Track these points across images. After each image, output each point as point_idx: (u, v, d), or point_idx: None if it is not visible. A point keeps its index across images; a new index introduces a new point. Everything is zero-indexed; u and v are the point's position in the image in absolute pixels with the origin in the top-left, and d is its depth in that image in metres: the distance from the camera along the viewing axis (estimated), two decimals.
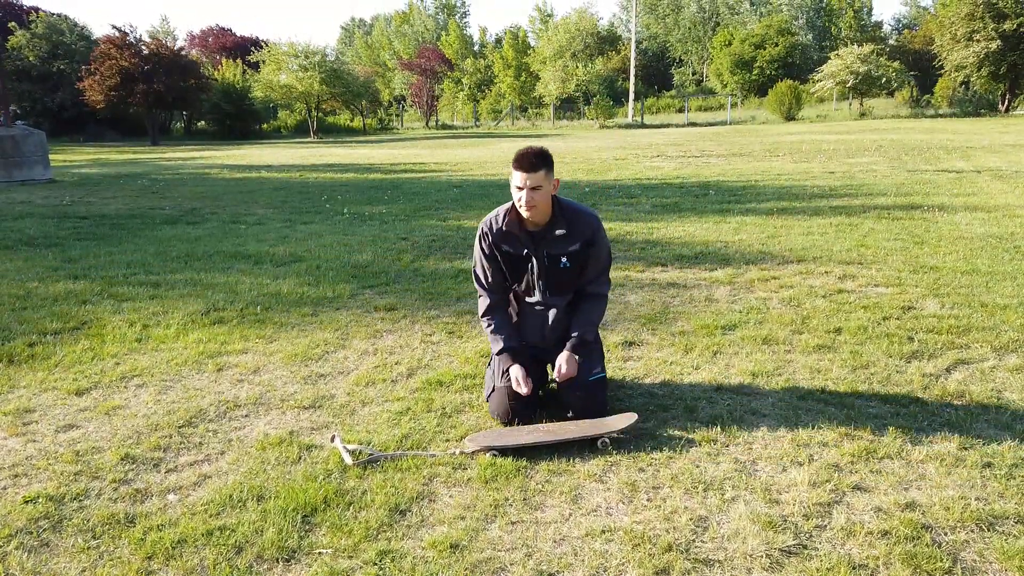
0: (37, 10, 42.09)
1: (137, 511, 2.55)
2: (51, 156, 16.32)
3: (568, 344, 3.24)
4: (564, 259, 3.23)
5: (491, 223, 3.27)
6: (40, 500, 2.62)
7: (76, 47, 39.53)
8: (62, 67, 38.39)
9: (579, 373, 3.20)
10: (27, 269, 6.42)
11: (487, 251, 3.28)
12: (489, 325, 3.32)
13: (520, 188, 3.07)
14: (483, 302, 3.36)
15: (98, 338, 4.42)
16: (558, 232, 3.19)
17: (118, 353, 4.17)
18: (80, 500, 2.63)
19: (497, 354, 3.24)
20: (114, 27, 35.94)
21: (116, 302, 5.26)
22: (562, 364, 3.18)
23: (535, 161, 3.05)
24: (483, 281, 3.35)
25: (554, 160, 3.17)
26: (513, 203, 3.18)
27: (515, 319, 3.42)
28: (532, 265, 3.26)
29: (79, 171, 17.96)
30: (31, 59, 38.62)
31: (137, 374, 3.86)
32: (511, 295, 3.43)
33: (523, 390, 3.09)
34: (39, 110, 38.17)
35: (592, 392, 3.17)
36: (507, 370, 3.18)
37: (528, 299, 3.38)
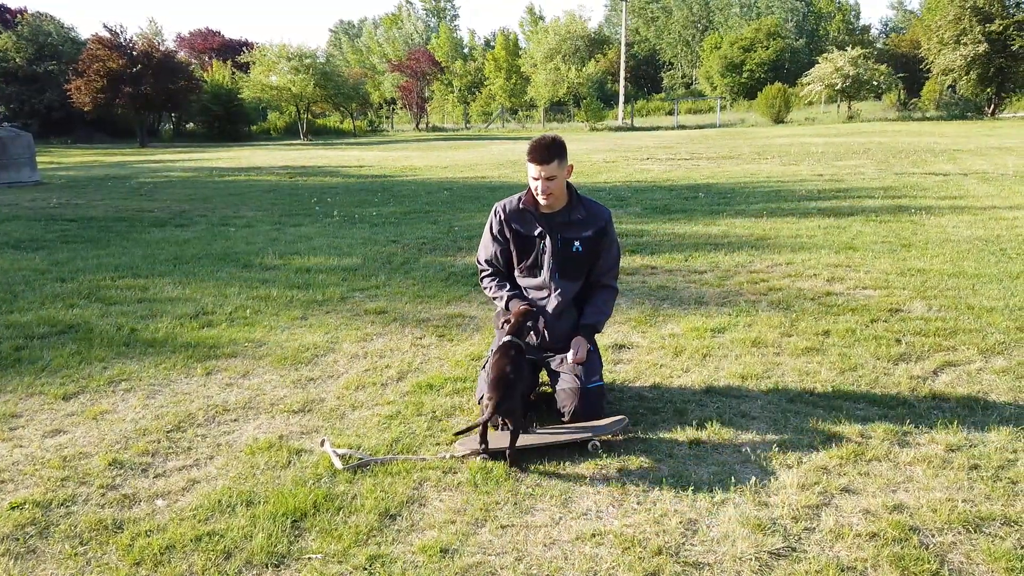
0: (24, 11, 41.76)
1: (125, 517, 2.53)
2: (38, 158, 16.21)
3: (581, 329, 3.33)
4: (577, 243, 3.33)
5: (507, 203, 3.42)
6: (27, 506, 2.60)
7: (63, 48, 39.25)
8: (50, 68, 38.12)
9: (578, 380, 3.20)
10: (13, 272, 6.37)
11: (496, 228, 3.41)
12: (491, 285, 3.44)
13: (536, 179, 3.22)
14: (488, 275, 3.47)
15: (85, 342, 4.39)
16: (575, 217, 3.32)
17: (106, 357, 4.14)
18: (67, 506, 2.61)
19: (505, 303, 3.34)
20: (106, 26, 35.66)
21: (104, 305, 5.22)
22: (576, 349, 3.23)
23: (547, 153, 3.18)
24: (489, 261, 3.45)
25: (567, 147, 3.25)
26: (530, 190, 3.30)
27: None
28: (545, 244, 3.34)
29: (67, 173, 17.84)
30: (17, 60, 38.32)
31: (125, 378, 3.84)
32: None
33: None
34: (27, 111, 37.87)
35: (590, 399, 3.17)
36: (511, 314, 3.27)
37: (532, 280, 3.39)
